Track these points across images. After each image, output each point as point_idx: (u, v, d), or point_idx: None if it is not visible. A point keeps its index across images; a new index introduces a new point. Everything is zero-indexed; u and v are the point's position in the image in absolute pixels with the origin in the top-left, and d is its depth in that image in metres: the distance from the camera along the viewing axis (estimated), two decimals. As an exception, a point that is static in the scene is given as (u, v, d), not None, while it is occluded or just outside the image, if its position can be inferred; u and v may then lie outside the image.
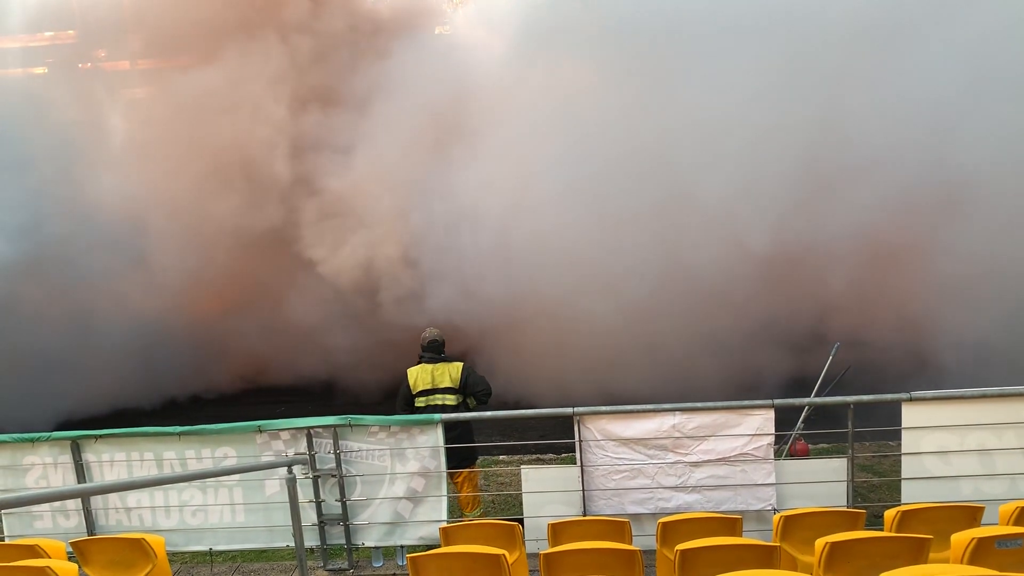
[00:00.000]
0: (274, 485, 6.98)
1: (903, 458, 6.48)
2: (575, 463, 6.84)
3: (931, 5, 10.81)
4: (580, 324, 11.63)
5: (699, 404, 6.62)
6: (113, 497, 7.12)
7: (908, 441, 6.46)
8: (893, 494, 6.99)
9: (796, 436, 8.29)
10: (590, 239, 11.41)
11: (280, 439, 6.94)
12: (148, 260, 13.29)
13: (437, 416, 6.88)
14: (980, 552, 4.23)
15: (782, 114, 10.71)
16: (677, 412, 6.67)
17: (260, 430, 6.91)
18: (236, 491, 7.06)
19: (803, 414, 8.22)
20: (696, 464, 6.66)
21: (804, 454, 8.39)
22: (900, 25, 10.81)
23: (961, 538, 4.31)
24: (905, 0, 10.95)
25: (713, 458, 6.62)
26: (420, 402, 7.48)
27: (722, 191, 10.88)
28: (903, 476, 6.48)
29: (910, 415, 6.42)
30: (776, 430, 6.75)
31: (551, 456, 10.06)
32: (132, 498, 7.11)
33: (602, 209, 11.34)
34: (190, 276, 13.38)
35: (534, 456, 10.25)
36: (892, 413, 6.57)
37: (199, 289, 13.88)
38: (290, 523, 6.37)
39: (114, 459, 7.02)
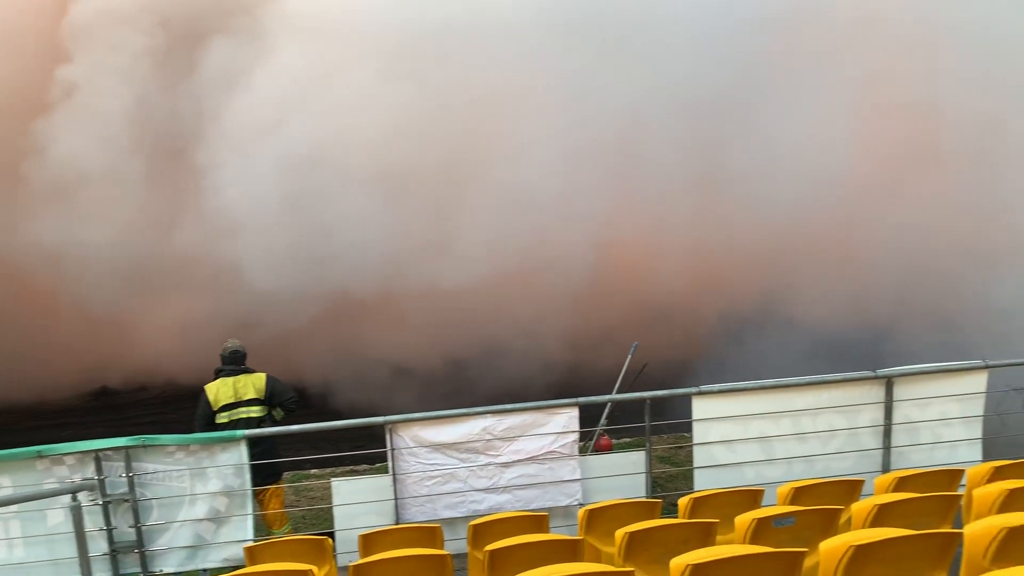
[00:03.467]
0: (58, 515, 6.39)
1: (694, 448, 6.95)
2: (388, 472, 6.79)
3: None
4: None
5: (509, 406, 6.77)
6: None
7: (698, 432, 6.93)
8: (688, 483, 7.47)
9: (600, 432, 8.66)
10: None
11: (64, 464, 6.38)
12: None
13: (240, 432, 6.59)
14: (760, 531, 4.60)
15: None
16: (489, 415, 6.79)
17: (40, 455, 6.32)
18: (13, 524, 6.41)
19: (606, 411, 8.60)
20: (506, 465, 6.80)
21: (608, 449, 8.78)
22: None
23: (743, 520, 4.66)
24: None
25: (522, 458, 6.79)
26: (223, 417, 7.13)
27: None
28: (695, 465, 6.94)
29: (700, 408, 6.89)
30: (583, 427, 7.04)
31: (365, 467, 9.91)
32: None
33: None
34: None
35: (348, 468, 10.06)
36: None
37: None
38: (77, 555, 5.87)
39: None
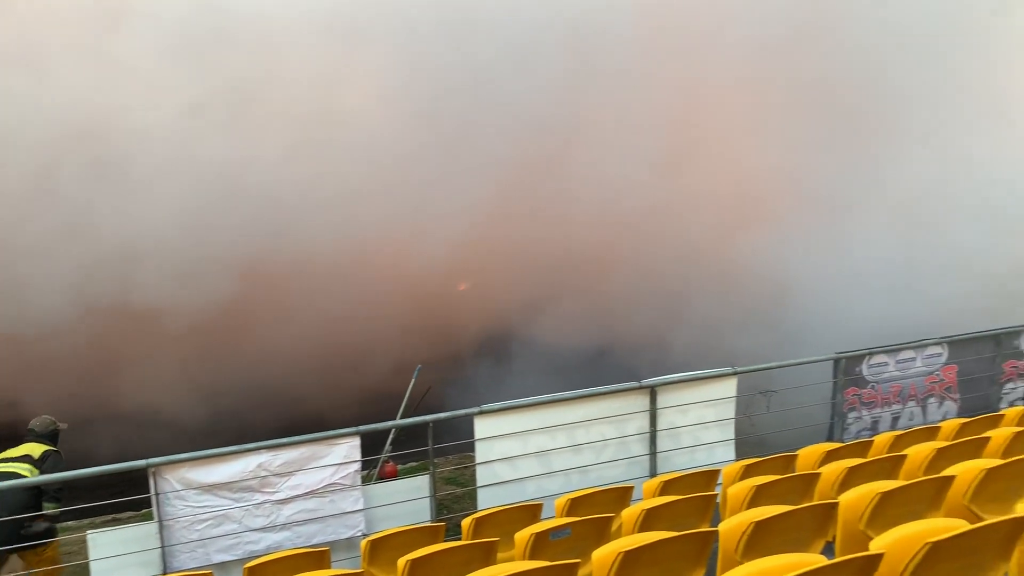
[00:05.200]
0: None
1: (477, 468, 7.02)
2: (153, 518, 6.27)
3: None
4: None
5: (285, 440, 6.48)
6: None
7: (481, 451, 7.01)
8: (474, 502, 7.55)
9: (384, 459, 8.54)
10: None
11: None
12: None
13: None
14: (538, 545, 4.72)
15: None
16: (263, 450, 6.46)
17: None
18: None
19: (390, 436, 8.50)
20: (284, 501, 6.50)
21: (393, 475, 8.68)
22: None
23: (522, 536, 4.76)
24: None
25: (301, 493, 6.52)
26: None
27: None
28: (478, 485, 7.01)
29: (481, 427, 6.97)
30: (370, 454, 6.88)
31: (129, 514, 9.10)
32: None
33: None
34: None
35: (111, 517, 9.19)
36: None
37: None
38: None
39: None
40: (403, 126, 11.37)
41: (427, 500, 6.93)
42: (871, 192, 12.13)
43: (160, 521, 6.24)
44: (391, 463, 8.76)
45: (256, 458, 6.41)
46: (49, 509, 6.73)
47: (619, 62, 12.09)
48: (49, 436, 7.19)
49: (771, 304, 11.56)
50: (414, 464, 9.43)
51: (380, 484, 7.43)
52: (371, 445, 7.52)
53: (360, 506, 6.71)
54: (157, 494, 6.23)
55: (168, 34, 10.52)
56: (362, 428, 6.72)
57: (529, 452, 7.09)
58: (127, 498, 7.10)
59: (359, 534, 6.64)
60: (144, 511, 8.48)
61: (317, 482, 6.55)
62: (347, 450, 6.62)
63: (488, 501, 6.93)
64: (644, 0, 12.03)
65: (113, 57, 10.38)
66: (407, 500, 6.87)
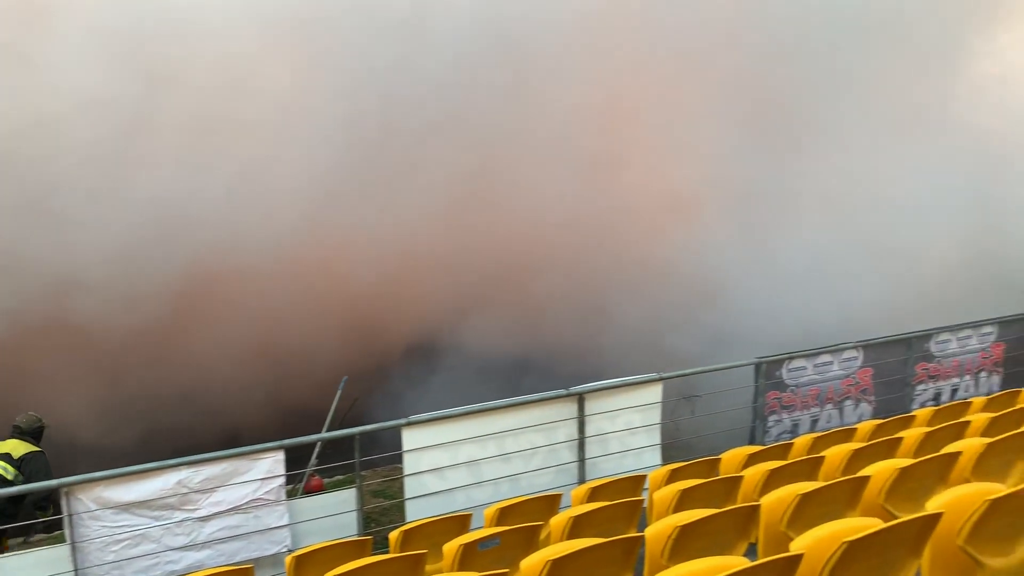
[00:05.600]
0: None
1: (405, 479, 6.95)
2: (66, 541, 6.01)
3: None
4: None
5: (206, 455, 6.30)
6: None
7: (409, 463, 6.94)
8: (402, 515, 7.47)
9: (310, 473, 8.37)
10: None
11: None
12: None
13: None
14: (467, 556, 4.68)
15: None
16: (183, 467, 6.27)
17: None
18: None
19: (316, 450, 8.34)
20: (206, 518, 6.32)
21: (319, 489, 8.51)
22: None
23: (451, 547, 4.72)
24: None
25: (224, 509, 6.35)
26: None
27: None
28: (406, 497, 6.94)
29: (410, 438, 6.91)
30: (293, 469, 6.75)
31: (40, 537, 8.70)
32: None
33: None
34: None
35: (20, 539, 8.77)
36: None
37: None
38: None
39: None
40: (329, 133, 11.21)
41: (354, 514, 6.83)
42: (798, 194, 12.48)
43: (73, 543, 5.99)
44: (317, 477, 8.59)
45: (175, 475, 6.22)
46: (41, 516, 7.00)
47: (546, 69, 12.18)
48: (33, 433, 7.31)
49: (699, 307, 11.80)
50: (341, 477, 9.27)
51: (306, 498, 7.28)
52: (297, 459, 7.38)
53: (285, 521, 6.57)
54: (70, 515, 5.98)
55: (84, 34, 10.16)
56: (286, 442, 6.58)
57: (458, 462, 7.05)
58: (41, 519, 6.84)
59: (284, 550, 6.49)
60: (56, 533, 8.14)
61: (240, 498, 6.39)
62: (271, 465, 6.48)
63: (417, 513, 6.86)
64: (572, 9, 12.14)
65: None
66: (334, 514, 6.75)
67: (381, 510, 8.61)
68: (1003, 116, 13.62)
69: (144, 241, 10.47)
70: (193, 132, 10.66)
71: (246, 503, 6.39)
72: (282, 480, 6.56)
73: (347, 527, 6.79)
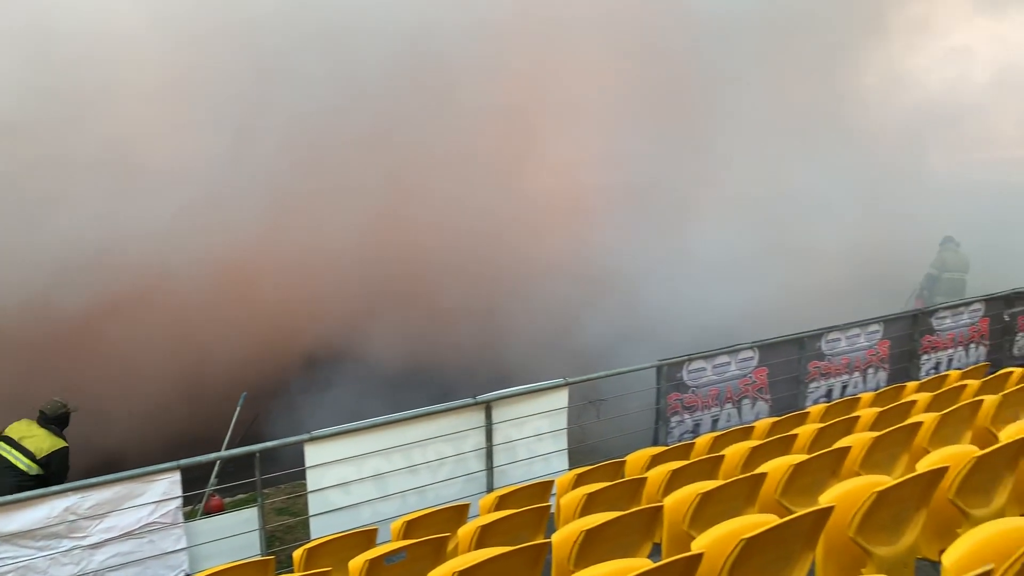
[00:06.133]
0: None
1: (309, 496, 6.78)
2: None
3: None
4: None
5: (93, 480, 5.99)
6: None
7: (313, 479, 6.77)
8: (306, 532, 7.27)
9: (210, 493, 8.08)
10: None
11: None
12: None
13: None
14: (372, 572, 4.60)
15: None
16: (70, 492, 5.95)
17: None
18: None
19: (215, 469, 8.05)
20: (96, 546, 6.01)
21: (219, 509, 8.22)
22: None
23: (356, 563, 4.62)
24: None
25: (116, 535, 6.05)
26: None
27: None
28: (311, 514, 6.77)
29: (313, 454, 6.74)
30: (191, 489, 6.50)
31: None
32: None
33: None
34: None
35: None
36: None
37: None
38: None
39: None
40: (221, 140, 10.88)
41: (256, 533, 6.62)
42: (698, 195, 12.83)
43: (-54, 579, 5.61)
44: (217, 496, 8.29)
45: (62, 501, 5.89)
46: None
47: (450, 71, 12.16)
48: (57, 420, 7.11)
49: (604, 309, 11.97)
50: (243, 496, 8.98)
51: (205, 520, 7.02)
52: (196, 479, 7.11)
53: (183, 544, 6.32)
54: (-56, 549, 5.60)
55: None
56: (182, 462, 6.33)
57: (364, 476, 6.93)
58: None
59: (182, 574, 6.24)
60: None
61: (134, 522, 6.10)
62: (167, 486, 6.21)
63: (322, 530, 6.69)
64: (473, 17, 12.16)
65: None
66: (235, 535, 6.53)
67: (285, 528, 8.38)
68: (890, 122, 14.39)
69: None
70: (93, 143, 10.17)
71: (140, 527, 6.11)
72: (179, 502, 6.30)
73: (250, 547, 6.57)
